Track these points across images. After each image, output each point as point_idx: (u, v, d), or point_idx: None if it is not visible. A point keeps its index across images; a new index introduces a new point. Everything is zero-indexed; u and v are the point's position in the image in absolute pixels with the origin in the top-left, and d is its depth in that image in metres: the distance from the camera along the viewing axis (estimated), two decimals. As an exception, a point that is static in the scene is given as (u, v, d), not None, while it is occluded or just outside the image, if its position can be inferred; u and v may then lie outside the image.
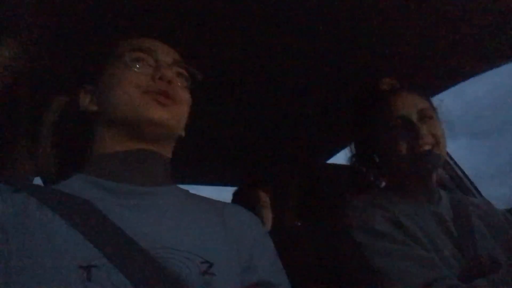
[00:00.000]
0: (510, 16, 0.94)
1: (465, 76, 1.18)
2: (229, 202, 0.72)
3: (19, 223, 0.49)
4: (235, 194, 1.78)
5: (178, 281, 0.49)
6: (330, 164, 1.63)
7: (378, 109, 0.88)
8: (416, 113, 0.83)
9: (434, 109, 0.89)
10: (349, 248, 0.78)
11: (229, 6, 0.88)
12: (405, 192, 0.85)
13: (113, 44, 0.66)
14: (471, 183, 1.44)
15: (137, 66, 0.61)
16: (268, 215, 1.63)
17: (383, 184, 0.94)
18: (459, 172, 1.44)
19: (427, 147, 0.80)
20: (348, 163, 1.00)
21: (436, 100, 0.93)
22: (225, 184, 2.11)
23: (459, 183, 1.43)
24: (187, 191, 0.68)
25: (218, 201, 0.68)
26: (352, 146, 0.99)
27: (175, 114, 0.61)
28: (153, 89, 0.59)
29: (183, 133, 0.67)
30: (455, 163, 1.45)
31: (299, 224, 1.50)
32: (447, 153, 1.44)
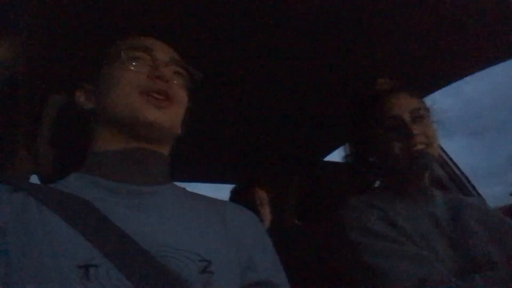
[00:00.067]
0: (505, 15, 0.94)
1: (460, 75, 1.19)
2: (229, 201, 0.72)
3: (18, 223, 0.49)
4: (233, 192, 1.77)
5: (177, 279, 0.49)
6: (329, 162, 1.63)
7: (372, 109, 0.90)
8: (409, 114, 0.85)
9: (427, 109, 0.90)
10: (345, 248, 0.79)
11: (227, 6, 0.88)
12: (399, 192, 0.87)
13: (111, 43, 0.66)
14: (469, 181, 1.45)
15: (135, 65, 0.61)
16: (267, 213, 1.63)
17: (378, 184, 0.95)
18: (457, 171, 1.45)
19: (419, 147, 0.82)
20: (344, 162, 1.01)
21: (429, 100, 0.94)
22: (224, 182, 2.11)
23: (457, 182, 1.44)
24: (185, 189, 0.68)
25: (218, 200, 0.68)
26: (347, 146, 1.00)
27: (171, 115, 0.61)
28: (150, 89, 0.59)
29: (180, 133, 0.67)
30: (453, 161, 1.46)
31: (298, 223, 1.50)
32: (445, 152, 1.44)
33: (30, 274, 0.45)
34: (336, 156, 1.70)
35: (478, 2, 0.91)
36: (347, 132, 1.01)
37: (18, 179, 0.62)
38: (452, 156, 1.47)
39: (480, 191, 1.45)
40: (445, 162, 1.44)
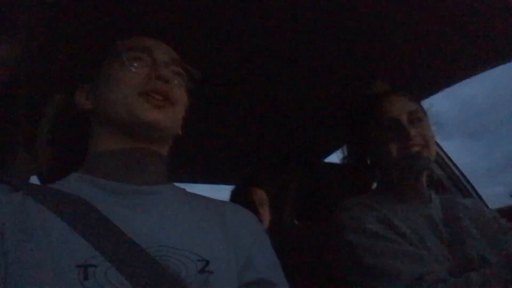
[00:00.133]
0: (505, 18, 0.94)
1: (459, 78, 1.19)
2: (228, 201, 0.72)
3: (17, 223, 0.49)
4: (233, 193, 1.78)
5: (176, 279, 0.49)
6: (328, 163, 1.63)
7: (370, 111, 0.91)
8: (406, 116, 0.85)
9: (424, 111, 0.91)
10: (343, 248, 0.80)
11: (227, 6, 0.88)
12: (396, 193, 0.87)
13: (111, 43, 0.66)
14: (468, 182, 1.45)
15: (135, 65, 0.61)
16: (266, 214, 1.64)
17: (375, 185, 0.95)
18: (457, 172, 1.45)
19: (416, 149, 0.82)
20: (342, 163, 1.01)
21: (426, 103, 0.96)
22: (224, 183, 2.11)
23: (457, 182, 1.44)
24: (184, 189, 0.68)
25: (217, 200, 0.68)
26: (345, 148, 1.01)
27: (170, 116, 0.61)
28: (149, 89, 0.59)
29: (180, 132, 0.67)
30: (453, 162, 1.46)
31: (297, 223, 1.50)
32: (445, 153, 1.45)
33: (29, 274, 0.45)
34: (336, 157, 1.70)
35: (477, 5, 0.91)
36: (345, 133, 1.02)
37: (17, 179, 0.62)
38: (450, 157, 1.47)
39: (480, 192, 1.45)
40: (445, 163, 1.45)
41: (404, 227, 0.78)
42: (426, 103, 0.95)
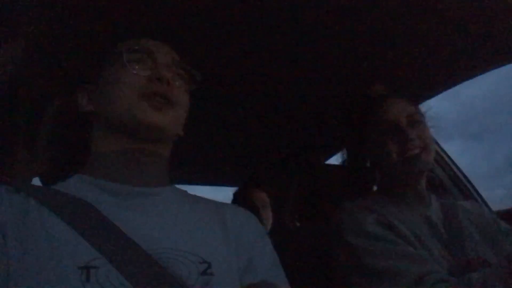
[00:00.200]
0: (504, 20, 0.94)
1: (458, 80, 1.20)
2: (229, 203, 0.72)
3: (19, 224, 0.49)
4: (235, 195, 1.78)
5: (177, 281, 0.49)
6: (329, 165, 1.63)
7: (369, 115, 0.91)
8: (405, 118, 0.86)
9: (422, 114, 0.91)
10: (343, 250, 0.80)
11: (227, 7, 0.88)
12: (395, 195, 0.88)
13: (112, 44, 0.66)
14: (470, 183, 1.45)
15: (135, 67, 0.61)
16: (268, 215, 1.63)
17: (375, 188, 0.95)
18: (459, 174, 1.45)
19: (416, 151, 0.83)
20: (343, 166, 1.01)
21: (424, 105, 0.96)
22: (225, 185, 2.11)
23: (458, 184, 1.43)
24: (186, 191, 0.68)
25: (218, 202, 0.68)
26: (345, 151, 1.02)
27: (171, 117, 0.60)
28: (150, 91, 0.59)
29: (181, 133, 0.67)
30: (455, 164, 1.46)
31: (298, 225, 1.50)
32: (448, 155, 1.45)
33: (31, 276, 0.45)
34: (337, 159, 1.70)
35: (477, 6, 0.91)
36: (344, 136, 1.02)
37: (19, 181, 0.62)
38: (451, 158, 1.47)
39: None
40: (447, 165, 1.44)
41: (404, 229, 0.79)
42: (424, 106, 0.96)
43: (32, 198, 0.52)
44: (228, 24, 0.94)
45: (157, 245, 0.52)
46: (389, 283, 0.70)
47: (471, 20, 0.95)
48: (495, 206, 1.39)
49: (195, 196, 0.68)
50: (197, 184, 2.03)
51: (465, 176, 1.45)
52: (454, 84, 1.21)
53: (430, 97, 1.24)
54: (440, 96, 1.25)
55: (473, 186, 1.43)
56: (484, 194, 1.44)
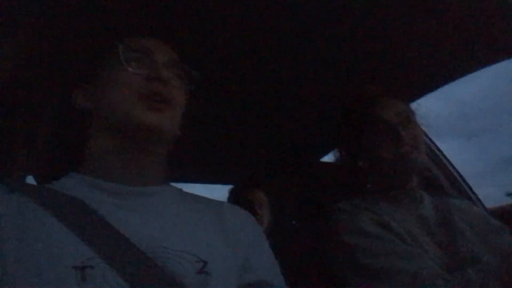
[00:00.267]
0: (496, 18, 0.95)
1: (449, 79, 1.20)
2: (226, 202, 0.72)
3: (14, 224, 0.49)
4: (231, 193, 1.78)
5: (173, 280, 0.49)
6: (326, 163, 1.64)
7: (362, 115, 0.92)
8: (396, 117, 0.87)
9: (413, 113, 0.93)
10: (339, 249, 0.81)
11: (226, 9, 0.88)
12: (389, 194, 0.89)
13: (110, 43, 0.65)
14: (465, 182, 1.46)
15: (133, 65, 0.61)
16: (265, 214, 1.63)
17: (368, 187, 0.96)
18: (453, 171, 1.46)
19: (408, 149, 0.84)
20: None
21: (414, 104, 0.98)
22: (222, 183, 2.11)
23: (453, 182, 1.45)
24: (182, 190, 0.68)
25: (215, 200, 0.68)
26: (337, 150, 1.03)
27: (168, 118, 0.60)
28: (148, 92, 0.59)
29: (178, 133, 0.67)
30: (450, 162, 1.47)
31: (296, 223, 1.50)
32: (442, 153, 1.45)
33: (26, 276, 0.45)
34: (333, 157, 1.70)
35: (468, 6, 0.92)
36: (338, 136, 1.03)
37: (14, 180, 0.62)
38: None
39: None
40: (443, 164, 1.45)
41: (397, 227, 0.79)
42: (414, 104, 0.97)
43: (27, 197, 0.52)
44: (225, 24, 0.93)
45: (153, 244, 0.52)
46: (385, 281, 0.71)
47: (463, 18, 0.95)
48: (487, 204, 1.41)
49: (192, 195, 0.68)
50: (193, 182, 2.02)
51: (460, 175, 1.46)
52: (446, 82, 1.22)
53: (422, 95, 1.25)
54: (432, 95, 1.26)
55: (467, 185, 1.45)
56: (476, 192, 1.46)
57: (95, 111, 0.63)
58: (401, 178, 0.87)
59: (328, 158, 1.76)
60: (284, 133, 1.58)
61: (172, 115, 0.61)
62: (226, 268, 0.56)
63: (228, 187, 1.85)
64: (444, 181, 1.44)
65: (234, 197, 1.72)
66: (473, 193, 1.44)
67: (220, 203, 0.68)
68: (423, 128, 0.93)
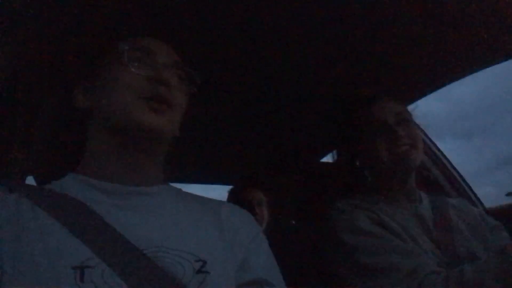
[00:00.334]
0: (493, 20, 0.95)
1: (448, 80, 1.21)
2: (225, 201, 0.72)
3: (12, 224, 0.48)
4: (231, 193, 1.78)
5: (172, 280, 0.49)
6: (325, 163, 1.64)
7: (358, 116, 0.93)
8: (393, 117, 0.88)
9: (409, 113, 0.94)
10: (337, 248, 0.81)
11: (225, 8, 0.88)
12: (386, 194, 0.89)
13: (113, 42, 0.64)
14: (464, 181, 1.46)
15: (135, 66, 0.60)
16: (264, 214, 1.64)
17: (367, 187, 0.97)
18: (453, 171, 1.46)
19: (404, 149, 0.84)
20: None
21: (412, 104, 1.00)
22: (221, 183, 2.11)
23: (452, 182, 1.45)
24: (180, 189, 0.68)
25: (213, 200, 0.68)
26: (335, 151, 1.03)
27: (169, 120, 0.60)
28: (149, 94, 0.58)
29: (177, 134, 0.66)
30: (449, 162, 1.47)
31: (294, 223, 1.50)
32: (441, 152, 1.46)
33: (25, 276, 0.45)
34: (332, 157, 1.70)
35: (465, 7, 0.92)
36: (335, 136, 1.04)
37: (13, 180, 0.62)
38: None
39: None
40: (442, 163, 1.45)
41: (395, 225, 0.80)
42: (412, 105, 1.00)
43: (26, 198, 0.52)
44: (225, 24, 0.94)
45: (152, 244, 0.52)
46: (383, 278, 0.71)
47: (460, 20, 0.96)
48: (486, 204, 1.41)
49: (190, 195, 0.68)
50: (193, 183, 2.02)
51: (459, 175, 1.46)
52: (444, 84, 1.23)
53: (420, 97, 1.26)
54: (430, 95, 1.28)
55: (468, 185, 1.45)
56: (475, 192, 1.46)
57: (95, 111, 0.62)
58: (400, 178, 0.88)
59: (328, 158, 1.76)
60: (284, 133, 1.59)
61: (172, 116, 0.61)
62: (225, 268, 0.56)
63: (228, 187, 1.85)
64: (444, 181, 1.44)
65: (233, 197, 1.72)
66: (473, 193, 1.44)
67: (219, 202, 0.68)
68: (422, 128, 0.93)
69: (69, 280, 0.45)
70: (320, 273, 0.91)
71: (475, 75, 1.17)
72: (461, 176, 1.46)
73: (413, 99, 1.23)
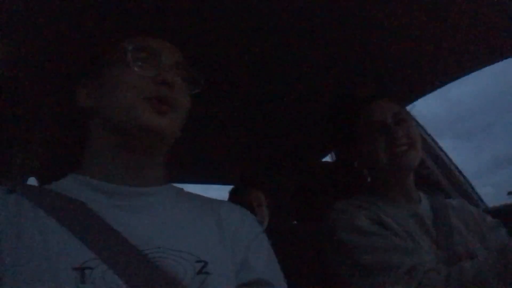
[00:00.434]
0: (489, 21, 0.95)
1: (446, 80, 1.21)
2: (226, 201, 0.72)
3: (12, 225, 0.48)
4: (231, 193, 1.77)
5: (173, 281, 0.49)
6: (325, 162, 1.64)
7: (356, 116, 0.93)
8: (391, 117, 0.88)
9: (407, 113, 0.93)
10: (337, 247, 0.82)
11: (227, 11, 0.88)
12: (385, 194, 0.90)
13: (117, 41, 0.64)
14: (466, 180, 1.46)
15: (139, 66, 0.60)
16: (264, 214, 1.64)
17: (366, 187, 0.97)
18: (454, 170, 1.46)
19: (403, 148, 0.84)
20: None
21: (410, 104, 0.98)
22: (221, 183, 2.11)
23: (453, 181, 1.45)
24: (182, 189, 0.68)
25: (214, 200, 0.68)
26: (333, 152, 1.03)
27: (172, 121, 0.60)
28: (152, 94, 0.58)
29: (179, 135, 0.65)
30: (451, 161, 1.47)
31: (295, 223, 1.50)
32: (444, 152, 1.46)
33: (25, 277, 0.45)
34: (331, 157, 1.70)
35: (464, 7, 0.92)
36: (334, 137, 1.04)
37: (13, 181, 0.62)
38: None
39: (469, 192, 1.46)
40: (443, 163, 1.45)
41: (394, 224, 0.80)
42: (410, 105, 0.99)
43: (26, 198, 0.52)
44: (227, 26, 0.94)
45: (152, 245, 0.52)
46: (383, 276, 0.72)
47: (462, 19, 0.95)
48: (487, 204, 1.41)
49: (191, 194, 0.68)
50: (193, 183, 2.02)
51: (462, 174, 1.46)
52: (442, 84, 1.23)
53: (419, 97, 1.26)
54: (429, 95, 1.29)
55: (470, 184, 1.45)
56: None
57: (96, 109, 0.62)
58: (398, 178, 0.88)
59: (328, 158, 1.76)
60: (284, 133, 1.59)
61: (175, 117, 0.60)
62: (226, 268, 0.56)
63: (228, 187, 1.85)
64: (444, 181, 1.44)
65: (233, 197, 1.72)
66: (475, 192, 1.44)
67: (219, 202, 0.68)
68: (420, 128, 0.93)
69: (70, 281, 0.45)
70: (320, 273, 0.91)
71: (474, 74, 1.17)
72: (463, 175, 1.46)
73: (412, 99, 1.23)
